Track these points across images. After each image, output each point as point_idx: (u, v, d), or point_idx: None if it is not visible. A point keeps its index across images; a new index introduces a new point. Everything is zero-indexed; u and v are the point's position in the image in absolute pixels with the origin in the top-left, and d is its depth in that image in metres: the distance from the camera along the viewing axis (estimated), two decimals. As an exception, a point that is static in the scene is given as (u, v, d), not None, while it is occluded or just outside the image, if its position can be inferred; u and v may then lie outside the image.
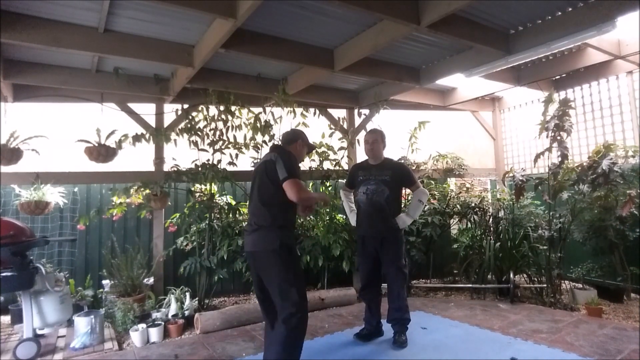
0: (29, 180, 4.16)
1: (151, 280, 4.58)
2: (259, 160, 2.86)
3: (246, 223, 2.76)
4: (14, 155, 3.97)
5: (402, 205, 3.67)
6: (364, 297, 3.58)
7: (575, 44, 3.71)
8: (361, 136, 5.51)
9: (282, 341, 2.40)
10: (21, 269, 3.26)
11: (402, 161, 5.59)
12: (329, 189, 5.31)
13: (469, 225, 5.85)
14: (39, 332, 3.51)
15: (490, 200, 5.97)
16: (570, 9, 3.44)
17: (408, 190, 5.67)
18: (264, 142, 4.70)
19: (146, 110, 4.86)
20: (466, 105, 6.40)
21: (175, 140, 4.56)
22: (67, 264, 4.70)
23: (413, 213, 3.45)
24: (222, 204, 4.81)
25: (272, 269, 2.48)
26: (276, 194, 2.50)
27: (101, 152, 4.19)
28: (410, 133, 5.50)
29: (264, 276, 2.55)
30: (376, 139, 3.47)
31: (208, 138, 4.53)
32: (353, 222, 3.61)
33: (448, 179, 6.44)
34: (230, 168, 4.59)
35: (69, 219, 4.79)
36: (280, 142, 3.01)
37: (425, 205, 3.51)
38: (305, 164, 4.95)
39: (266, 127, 4.60)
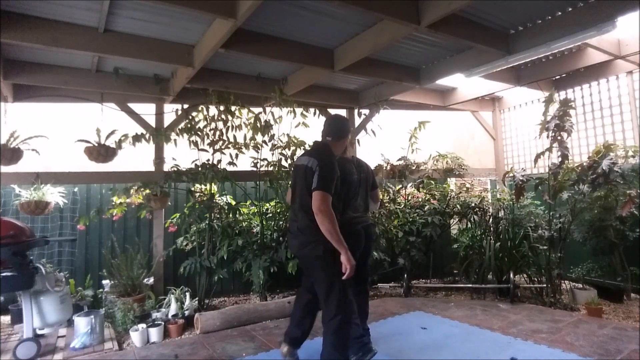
0: (29, 180, 4.16)
1: (151, 280, 4.57)
2: (301, 156, 2.78)
3: (289, 224, 2.87)
4: (14, 155, 3.97)
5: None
6: None
7: (575, 44, 3.71)
8: (361, 136, 5.56)
9: (329, 343, 2.52)
10: (21, 269, 3.26)
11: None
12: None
13: (469, 225, 5.85)
14: (39, 332, 3.50)
15: (490, 200, 5.96)
16: (570, 9, 3.45)
17: (409, 190, 5.82)
18: (264, 142, 4.70)
19: (146, 110, 4.86)
20: (466, 105, 6.40)
21: (175, 140, 4.55)
22: (67, 264, 4.70)
23: None
24: (222, 204, 4.80)
25: (318, 274, 2.60)
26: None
27: (101, 152, 4.19)
28: (410, 133, 5.50)
29: (310, 276, 2.76)
30: None
31: (208, 138, 4.53)
32: None
33: (448, 179, 6.43)
34: (230, 168, 4.58)
35: (69, 219, 4.79)
36: (325, 136, 2.80)
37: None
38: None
39: (266, 127, 4.60)
